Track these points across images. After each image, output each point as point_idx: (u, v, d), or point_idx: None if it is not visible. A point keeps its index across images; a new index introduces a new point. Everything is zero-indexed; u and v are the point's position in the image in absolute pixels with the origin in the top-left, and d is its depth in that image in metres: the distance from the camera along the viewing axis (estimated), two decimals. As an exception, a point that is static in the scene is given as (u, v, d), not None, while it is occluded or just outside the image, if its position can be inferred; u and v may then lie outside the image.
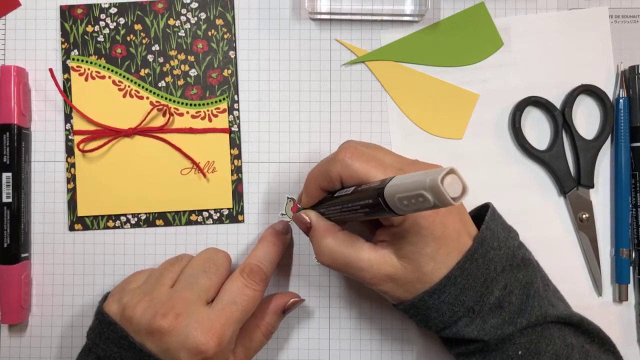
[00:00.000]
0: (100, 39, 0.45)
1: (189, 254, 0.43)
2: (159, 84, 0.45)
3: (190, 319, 0.36)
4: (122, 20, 0.45)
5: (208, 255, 0.41)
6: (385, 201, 0.29)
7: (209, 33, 0.45)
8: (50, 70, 0.44)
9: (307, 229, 0.38)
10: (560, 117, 0.45)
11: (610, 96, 0.45)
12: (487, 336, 0.36)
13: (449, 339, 0.38)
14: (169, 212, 0.45)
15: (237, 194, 0.45)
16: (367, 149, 0.37)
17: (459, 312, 0.36)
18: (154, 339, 0.36)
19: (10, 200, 0.43)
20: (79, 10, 0.45)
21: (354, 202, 0.33)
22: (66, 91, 0.45)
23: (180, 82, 0.45)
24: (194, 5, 0.45)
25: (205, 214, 0.45)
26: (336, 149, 0.37)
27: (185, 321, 0.36)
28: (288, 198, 0.44)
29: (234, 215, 0.45)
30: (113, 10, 0.45)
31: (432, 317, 0.36)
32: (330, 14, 0.45)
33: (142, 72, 0.45)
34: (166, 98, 0.45)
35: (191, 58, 0.45)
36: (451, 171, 0.26)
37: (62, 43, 0.45)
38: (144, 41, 0.45)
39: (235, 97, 0.45)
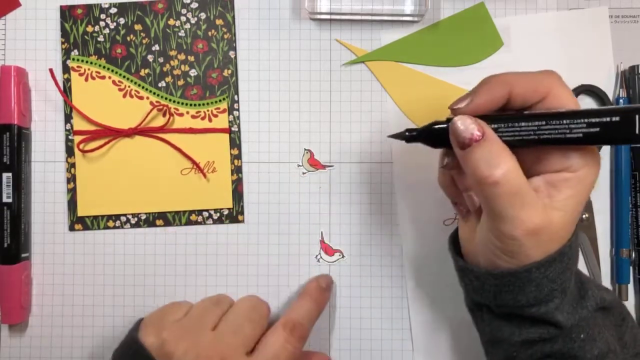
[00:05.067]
0: (100, 39, 0.45)
1: (228, 295, 0.43)
2: (159, 84, 0.45)
3: None
4: (122, 21, 0.45)
5: (252, 304, 0.40)
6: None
7: (209, 33, 0.45)
8: (50, 70, 0.44)
9: (472, 141, 0.30)
10: (561, 117, 0.45)
11: (610, 96, 0.45)
12: (569, 321, 0.33)
13: (511, 322, 0.34)
14: (169, 212, 0.45)
15: (237, 194, 0.45)
16: None
17: (556, 290, 0.32)
18: None
19: (10, 200, 0.43)
20: (79, 11, 0.45)
21: (578, 121, 0.29)
22: (66, 91, 0.45)
23: (180, 82, 0.45)
24: (194, 5, 0.45)
25: (205, 214, 0.45)
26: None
27: None
28: (305, 149, 0.44)
29: (234, 215, 0.45)
30: (113, 10, 0.45)
31: (527, 290, 0.32)
32: (330, 14, 0.45)
33: (142, 72, 0.45)
34: (166, 98, 0.45)
35: (191, 58, 0.45)
36: None
37: (62, 43, 0.45)
38: (144, 41, 0.45)
39: (235, 97, 0.45)
